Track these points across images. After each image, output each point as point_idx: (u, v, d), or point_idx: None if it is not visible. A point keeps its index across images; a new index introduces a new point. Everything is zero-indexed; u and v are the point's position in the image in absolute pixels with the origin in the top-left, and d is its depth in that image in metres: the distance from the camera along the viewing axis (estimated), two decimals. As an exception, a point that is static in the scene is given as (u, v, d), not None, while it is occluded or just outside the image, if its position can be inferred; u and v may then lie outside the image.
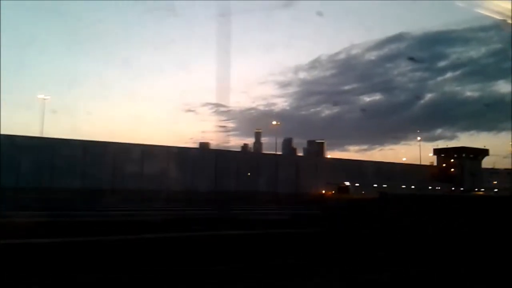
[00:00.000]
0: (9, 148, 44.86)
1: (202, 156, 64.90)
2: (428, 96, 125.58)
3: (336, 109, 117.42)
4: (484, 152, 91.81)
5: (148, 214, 21.78)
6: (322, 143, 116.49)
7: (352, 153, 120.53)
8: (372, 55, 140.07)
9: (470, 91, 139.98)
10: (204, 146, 75.76)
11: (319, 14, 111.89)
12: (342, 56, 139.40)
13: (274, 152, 77.15)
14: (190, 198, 36.34)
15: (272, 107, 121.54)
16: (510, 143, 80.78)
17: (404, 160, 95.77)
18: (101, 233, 12.17)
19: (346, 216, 23.93)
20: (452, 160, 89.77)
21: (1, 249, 9.15)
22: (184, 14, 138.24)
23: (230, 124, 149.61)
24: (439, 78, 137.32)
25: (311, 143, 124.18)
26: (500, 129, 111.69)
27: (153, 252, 9.64)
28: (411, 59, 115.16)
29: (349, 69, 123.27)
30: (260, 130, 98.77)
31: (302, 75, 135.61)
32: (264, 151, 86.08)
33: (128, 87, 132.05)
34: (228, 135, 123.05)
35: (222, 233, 13.31)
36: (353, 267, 8.48)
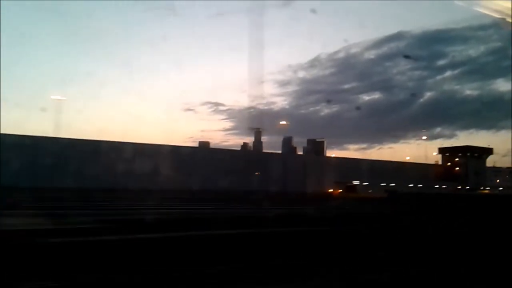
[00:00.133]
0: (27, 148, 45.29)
1: (212, 155, 65.24)
2: (428, 94, 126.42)
3: (335, 108, 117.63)
4: (488, 151, 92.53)
5: (214, 212, 22.73)
6: (322, 142, 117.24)
7: (352, 151, 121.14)
8: (371, 54, 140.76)
9: (469, 90, 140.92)
10: (203, 145, 75.94)
11: (313, 11, 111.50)
12: (341, 55, 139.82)
13: (275, 151, 77.88)
14: (216, 197, 36.90)
15: (272, 106, 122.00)
16: (511, 141, 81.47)
17: (407, 159, 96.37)
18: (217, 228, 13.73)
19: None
20: (457, 159, 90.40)
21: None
22: (184, 13, 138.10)
23: (229, 123, 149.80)
24: (438, 77, 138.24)
25: (311, 142, 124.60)
26: (500, 128, 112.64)
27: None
28: (407, 57, 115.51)
29: (348, 68, 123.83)
30: (260, 129, 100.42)
31: (301, 74, 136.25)
32: (264, 150, 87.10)
33: (127, 86, 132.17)
34: (227, 134, 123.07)
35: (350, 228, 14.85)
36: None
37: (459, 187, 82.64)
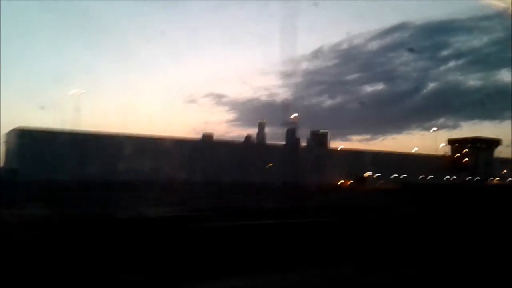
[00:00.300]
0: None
1: (231, 149, 66.56)
2: (431, 85, 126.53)
3: (338, 99, 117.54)
4: (497, 142, 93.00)
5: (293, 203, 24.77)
6: (326, 133, 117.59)
7: (355, 143, 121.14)
8: (375, 45, 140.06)
9: (473, 80, 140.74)
10: (207, 136, 76.29)
11: (315, 4, 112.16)
12: (344, 46, 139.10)
13: (278, 143, 79.07)
14: (259, 190, 38.18)
15: (275, 98, 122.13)
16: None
17: (415, 150, 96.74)
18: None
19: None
20: (466, 150, 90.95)
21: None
22: (187, 4, 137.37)
23: (232, 115, 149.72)
24: (442, 67, 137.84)
25: (314, 133, 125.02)
26: (503, 118, 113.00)
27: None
28: (411, 50, 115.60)
29: (352, 59, 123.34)
30: (264, 121, 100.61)
31: (305, 65, 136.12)
32: (268, 142, 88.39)
33: (128, 78, 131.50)
34: (230, 126, 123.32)
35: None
36: None
37: (469, 178, 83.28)
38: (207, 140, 70.52)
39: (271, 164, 67.55)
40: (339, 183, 72.35)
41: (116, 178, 43.42)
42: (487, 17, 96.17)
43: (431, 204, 28.03)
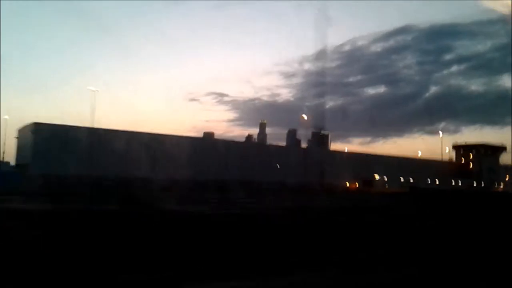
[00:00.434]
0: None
1: (248, 149, 67.98)
2: (433, 89, 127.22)
3: (340, 101, 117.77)
4: (502, 149, 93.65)
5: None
6: (327, 135, 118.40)
7: (355, 145, 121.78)
8: (378, 47, 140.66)
9: (475, 85, 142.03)
10: (208, 135, 76.68)
11: (318, 5, 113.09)
12: (347, 47, 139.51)
13: (279, 144, 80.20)
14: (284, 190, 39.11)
15: (276, 98, 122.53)
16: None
17: (420, 154, 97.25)
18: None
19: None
20: (471, 156, 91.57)
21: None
22: (189, 2, 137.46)
23: (233, 114, 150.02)
24: (445, 71, 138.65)
25: (315, 134, 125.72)
26: (504, 124, 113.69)
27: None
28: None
29: (354, 61, 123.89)
30: (265, 121, 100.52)
31: (307, 66, 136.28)
32: (268, 142, 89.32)
33: (130, 76, 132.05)
34: (231, 125, 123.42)
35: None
36: None
37: (474, 184, 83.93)
38: (218, 139, 71.82)
39: (278, 165, 68.22)
40: (345, 185, 72.95)
41: (134, 175, 44.17)
42: (491, 22, 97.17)
43: (443, 209, 28.42)
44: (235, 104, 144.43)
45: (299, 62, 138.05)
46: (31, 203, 18.91)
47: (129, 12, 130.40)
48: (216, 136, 76.15)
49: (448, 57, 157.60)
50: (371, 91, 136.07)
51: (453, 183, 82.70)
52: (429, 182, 77.34)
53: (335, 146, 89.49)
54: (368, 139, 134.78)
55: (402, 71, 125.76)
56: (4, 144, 69.64)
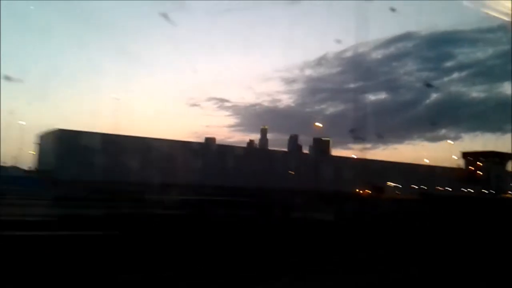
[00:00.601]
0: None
1: (258, 155, 68.86)
2: (434, 96, 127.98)
3: (340, 107, 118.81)
4: (510, 156, 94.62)
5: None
6: (328, 141, 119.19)
7: (356, 151, 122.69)
8: (379, 54, 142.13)
9: (476, 92, 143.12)
10: (209, 141, 77.92)
11: (320, 12, 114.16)
12: (348, 54, 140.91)
13: (280, 149, 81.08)
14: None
15: (277, 104, 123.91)
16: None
17: (426, 161, 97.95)
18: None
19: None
20: (479, 164, 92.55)
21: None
22: (191, 9, 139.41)
23: (234, 120, 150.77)
24: (446, 78, 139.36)
25: (317, 140, 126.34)
26: (505, 131, 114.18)
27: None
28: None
29: (355, 67, 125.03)
30: (266, 127, 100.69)
31: (308, 72, 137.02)
32: (269, 148, 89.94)
33: (132, 81, 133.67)
34: (232, 131, 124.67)
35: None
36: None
37: (484, 191, 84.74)
38: (219, 144, 73.06)
39: (292, 172, 69.30)
40: (356, 192, 73.76)
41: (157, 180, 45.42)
42: (491, 30, 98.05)
43: (458, 216, 28.81)
44: (236, 110, 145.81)
45: (300, 68, 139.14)
46: (103, 208, 18.24)
47: (133, 18, 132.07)
48: (217, 142, 77.31)
49: (448, 64, 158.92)
50: (371, 97, 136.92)
51: (464, 190, 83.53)
52: (441, 188, 78.16)
53: (335, 152, 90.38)
54: (369, 145, 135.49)
55: (403, 77, 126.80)
56: (21, 149, 70.80)
